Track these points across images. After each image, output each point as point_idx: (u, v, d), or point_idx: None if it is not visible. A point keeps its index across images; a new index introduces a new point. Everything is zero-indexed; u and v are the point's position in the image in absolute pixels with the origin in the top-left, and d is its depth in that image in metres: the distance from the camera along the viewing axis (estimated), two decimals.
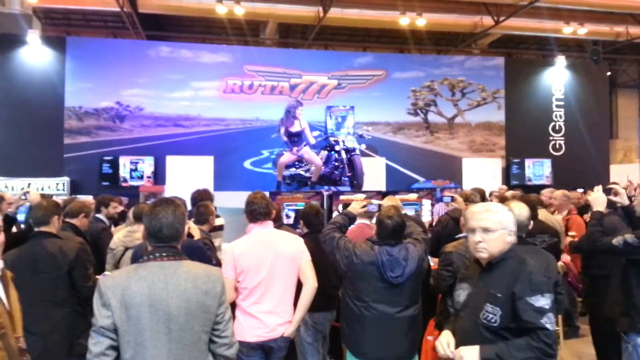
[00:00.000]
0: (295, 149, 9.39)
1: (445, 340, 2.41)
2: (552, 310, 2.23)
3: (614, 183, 3.85)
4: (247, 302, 3.35)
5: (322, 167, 9.38)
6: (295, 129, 9.28)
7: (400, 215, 3.46)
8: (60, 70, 10.85)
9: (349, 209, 3.92)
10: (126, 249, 4.56)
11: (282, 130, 9.45)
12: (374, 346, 3.33)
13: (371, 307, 3.34)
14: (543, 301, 2.21)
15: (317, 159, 9.45)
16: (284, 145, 9.69)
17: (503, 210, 2.43)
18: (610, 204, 3.42)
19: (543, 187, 9.97)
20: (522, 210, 2.98)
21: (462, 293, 2.46)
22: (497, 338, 2.24)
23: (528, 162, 12.67)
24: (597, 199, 3.40)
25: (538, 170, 12.69)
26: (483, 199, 4.95)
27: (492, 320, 2.25)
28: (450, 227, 4.69)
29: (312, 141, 9.50)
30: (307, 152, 9.43)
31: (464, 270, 2.58)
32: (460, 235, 3.78)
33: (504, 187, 9.43)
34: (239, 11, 11.67)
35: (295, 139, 9.34)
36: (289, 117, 9.32)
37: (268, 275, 3.35)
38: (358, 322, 3.37)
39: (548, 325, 2.19)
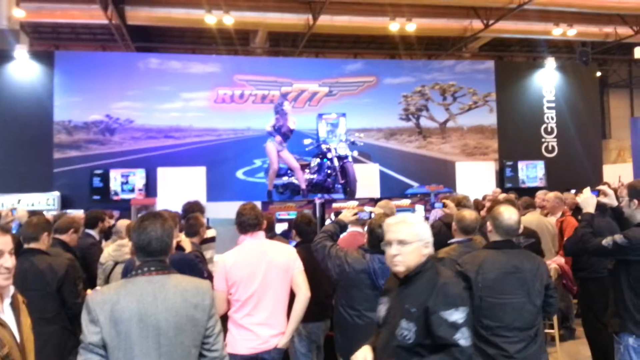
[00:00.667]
0: (279, 138, 9.14)
1: (362, 356, 2.33)
2: (467, 325, 2.16)
3: (605, 184, 3.83)
4: (239, 314, 3.30)
5: (300, 169, 9.29)
6: (292, 125, 9.21)
7: None
8: (49, 85, 10.79)
9: (340, 217, 3.91)
10: (116, 263, 4.51)
11: (278, 132, 9.27)
12: None
13: (364, 315, 3.33)
14: (457, 315, 2.13)
15: (292, 159, 9.31)
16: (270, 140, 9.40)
17: (419, 222, 2.39)
18: (600, 206, 3.40)
19: (537, 189, 9.95)
20: (512, 214, 2.95)
21: (382, 308, 2.40)
22: (412, 355, 2.17)
23: (521, 165, 12.68)
24: (587, 200, 3.38)
25: (532, 172, 12.71)
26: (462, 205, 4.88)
27: (407, 337, 2.18)
28: (443, 232, 4.65)
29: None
30: (285, 152, 9.31)
31: (385, 285, 2.53)
32: (452, 240, 3.75)
33: (498, 190, 9.42)
34: (229, 21, 11.65)
35: (288, 134, 9.26)
36: (282, 116, 9.25)
37: (260, 286, 3.30)
38: (351, 331, 3.36)
39: (462, 342, 2.11)
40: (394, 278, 2.41)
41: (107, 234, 5.96)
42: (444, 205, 4.93)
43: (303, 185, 9.24)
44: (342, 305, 3.45)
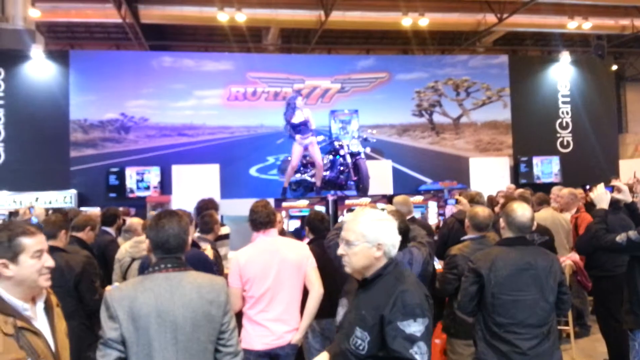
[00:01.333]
0: (299, 136, 9.02)
1: None
2: (425, 339, 1.99)
3: (611, 180, 3.79)
4: (253, 310, 3.34)
5: (323, 168, 9.24)
6: (297, 119, 9.07)
7: (403, 221, 3.43)
8: (65, 84, 10.92)
9: None
10: (133, 259, 4.57)
11: (285, 124, 9.28)
12: None
13: None
14: (415, 327, 1.96)
15: (319, 156, 9.21)
16: (290, 140, 9.37)
17: (372, 221, 2.16)
18: (613, 202, 3.37)
19: (552, 184, 9.89)
20: (525, 211, 2.93)
21: (340, 311, 2.31)
22: None
23: (536, 160, 12.57)
24: (600, 196, 3.35)
25: (547, 168, 12.58)
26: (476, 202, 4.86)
27: (360, 347, 2.03)
28: (456, 229, 4.65)
29: (313, 126, 9.19)
30: (313, 143, 9.15)
31: (346, 285, 2.39)
32: (465, 237, 3.75)
33: (512, 186, 9.35)
34: (241, 18, 11.69)
35: (300, 127, 9.15)
36: (289, 109, 9.24)
37: (274, 283, 3.34)
38: None
39: (417, 357, 1.93)
40: (354, 280, 2.26)
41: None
42: (457, 202, 4.92)
43: (318, 183, 9.24)
44: None
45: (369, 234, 2.11)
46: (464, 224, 3.91)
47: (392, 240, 2.16)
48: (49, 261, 2.02)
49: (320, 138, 9.58)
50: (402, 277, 2.13)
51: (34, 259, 1.96)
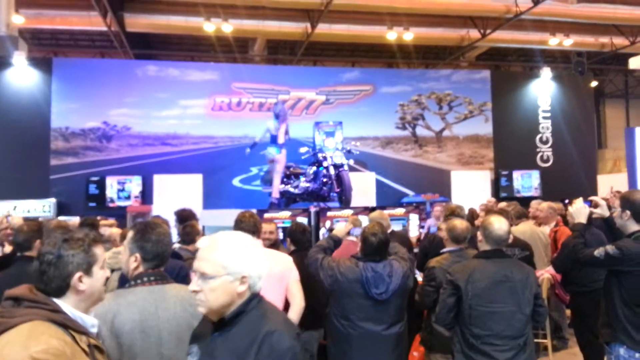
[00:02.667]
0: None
1: None
2: None
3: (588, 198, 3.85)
4: None
5: (278, 176, 9.55)
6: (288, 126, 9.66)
7: (384, 232, 3.48)
8: (47, 91, 10.82)
9: (334, 232, 3.95)
10: (112, 271, 4.51)
11: (281, 131, 9.56)
12: None
13: (357, 325, 3.34)
14: None
15: (280, 166, 9.61)
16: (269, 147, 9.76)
17: (234, 248, 1.76)
18: (590, 217, 3.43)
19: (532, 198, 9.99)
20: (502, 224, 2.99)
21: None
22: None
23: (516, 174, 12.73)
24: (579, 211, 3.40)
25: (527, 182, 12.75)
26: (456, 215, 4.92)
27: None
28: (437, 241, 4.68)
29: (280, 140, 9.70)
30: (283, 154, 9.61)
31: (197, 327, 1.93)
32: (444, 250, 3.79)
33: (492, 199, 9.44)
34: (227, 29, 11.70)
35: (287, 138, 9.67)
36: (282, 116, 9.54)
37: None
38: (345, 341, 3.38)
39: None
40: (206, 320, 1.84)
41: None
42: (438, 229, 4.94)
43: (275, 194, 9.42)
44: (335, 316, 3.46)
45: (232, 265, 1.72)
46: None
47: (258, 271, 1.78)
48: (107, 271, 1.90)
49: (304, 149, 9.61)
50: (268, 314, 1.76)
51: (102, 270, 1.84)
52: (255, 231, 3.49)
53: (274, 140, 9.72)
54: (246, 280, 1.75)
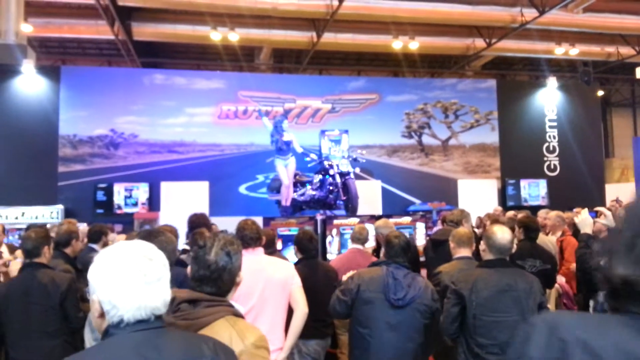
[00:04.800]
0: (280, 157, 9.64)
1: None
2: None
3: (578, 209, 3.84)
4: None
5: (287, 187, 9.59)
6: (286, 139, 9.58)
7: (407, 238, 3.53)
8: (55, 99, 10.91)
9: None
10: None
11: (276, 143, 9.65)
12: None
13: (375, 334, 3.32)
14: None
15: (287, 177, 9.64)
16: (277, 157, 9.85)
17: (103, 263, 1.43)
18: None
19: (539, 207, 9.98)
20: (504, 234, 2.99)
21: None
22: None
23: (523, 183, 12.69)
24: (584, 221, 3.41)
25: (534, 190, 12.70)
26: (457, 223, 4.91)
27: None
28: (429, 248, 4.76)
29: (299, 150, 9.71)
30: (289, 164, 9.64)
31: None
32: (455, 256, 3.80)
33: (499, 208, 9.42)
34: (234, 37, 11.79)
35: (282, 149, 9.60)
36: (279, 130, 9.57)
37: (258, 302, 3.31)
38: (363, 350, 3.36)
39: None
40: None
41: None
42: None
43: (283, 202, 9.46)
44: (354, 325, 3.44)
45: (92, 284, 1.43)
46: (440, 244, 4.02)
47: (116, 299, 1.38)
48: None
49: (310, 157, 9.64)
50: None
51: None
52: (257, 239, 3.50)
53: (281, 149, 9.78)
54: (97, 306, 1.41)
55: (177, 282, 2.74)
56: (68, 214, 10.29)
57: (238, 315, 1.92)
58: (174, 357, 1.39)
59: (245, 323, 1.92)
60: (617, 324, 0.98)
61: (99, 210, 10.60)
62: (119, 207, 10.72)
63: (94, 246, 5.56)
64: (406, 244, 3.47)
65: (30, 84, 10.76)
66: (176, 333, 1.54)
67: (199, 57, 15.68)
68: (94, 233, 5.64)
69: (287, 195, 9.64)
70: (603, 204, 10.01)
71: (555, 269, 4.82)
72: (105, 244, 5.69)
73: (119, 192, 10.77)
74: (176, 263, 3.44)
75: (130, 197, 10.78)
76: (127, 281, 1.39)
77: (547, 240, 5.67)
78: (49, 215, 10.00)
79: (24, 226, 8.05)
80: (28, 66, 10.55)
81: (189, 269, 2.08)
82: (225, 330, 1.81)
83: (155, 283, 1.43)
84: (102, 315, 1.42)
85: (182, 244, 4.44)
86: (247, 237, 3.47)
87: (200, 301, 1.88)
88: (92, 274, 1.43)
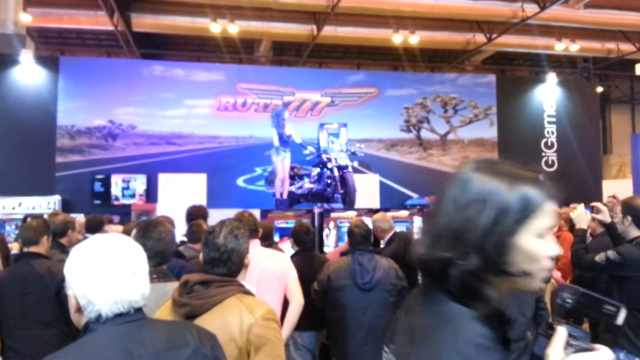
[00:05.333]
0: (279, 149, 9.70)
1: None
2: None
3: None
4: None
5: (284, 180, 9.64)
6: (288, 132, 9.67)
7: (366, 225, 3.92)
8: (53, 90, 10.87)
9: None
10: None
11: (277, 136, 9.71)
12: (357, 353, 3.61)
13: (349, 315, 3.65)
14: None
15: (283, 170, 9.70)
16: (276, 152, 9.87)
17: (78, 256, 1.42)
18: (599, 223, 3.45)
19: None
20: None
21: None
22: None
23: None
24: (580, 216, 3.42)
25: None
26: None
27: None
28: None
29: (299, 140, 9.79)
30: (286, 158, 9.73)
31: None
32: None
33: None
34: (233, 30, 11.75)
35: (288, 141, 9.73)
36: (280, 121, 9.62)
37: (255, 294, 3.33)
38: (340, 332, 3.58)
39: None
40: None
41: None
42: None
43: (277, 195, 9.60)
44: (329, 310, 3.80)
45: (67, 276, 1.43)
46: (408, 241, 4.43)
47: (91, 289, 1.37)
48: None
49: (308, 150, 9.65)
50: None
51: None
52: (254, 231, 3.52)
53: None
54: (73, 301, 1.42)
55: (173, 273, 2.76)
56: (65, 204, 10.28)
57: (248, 293, 2.06)
58: (158, 348, 1.39)
59: (254, 298, 2.07)
60: None
61: (97, 202, 10.59)
62: (117, 199, 10.71)
63: (90, 235, 5.58)
64: (366, 232, 3.85)
65: (28, 74, 10.71)
66: (157, 323, 1.55)
67: (198, 48, 15.64)
68: (95, 223, 5.69)
69: (283, 188, 9.64)
70: (600, 200, 10.01)
71: None
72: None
73: (117, 184, 10.75)
74: (174, 254, 3.46)
75: (127, 188, 10.77)
76: (102, 275, 1.37)
77: None
78: (47, 205, 9.97)
79: (21, 216, 8.05)
80: (26, 56, 10.51)
81: (200, 255, 2.18)
82: (235, 306, 1.95)
83: (132, 276, 1.40)
84: (79, 310, 1.40)
85: (179, 235, 4.45)
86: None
87: (212, 282, 2.03)
88: (67, 269, 1.40)
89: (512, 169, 1.12)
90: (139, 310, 1.43)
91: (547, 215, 1.08)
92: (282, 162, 9.65)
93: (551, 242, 1.07)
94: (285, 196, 9.56)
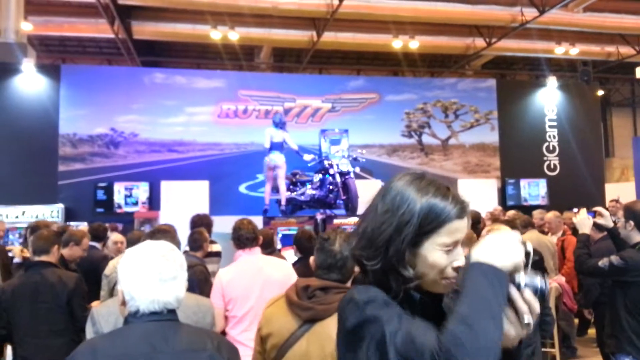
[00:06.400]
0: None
1: None
2: None
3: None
4: (236, 330, 3.33)
5: (283, 191, 9.77)
6: (278, 139, 9.87)
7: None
8: (55, 98, 10.89)
9: None
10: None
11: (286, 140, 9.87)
12: None
13: None
14: None
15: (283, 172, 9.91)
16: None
17: (126, 258, 1.70)
18: (599, 227, 3.44)
19: (539, 207, 9.97)
20: (512, 232, 2.99)
21: None
22: None
23: (523, 183, 12.68)
24: (583, 221, 3.41)
25: (534, 190, 12.69)
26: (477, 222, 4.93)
27: None
28: None
29: (295, 147, 9.89)
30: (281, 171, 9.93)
31: None
32: None
33: (499, 207, 9.42)
34: (234, 36, 11.80)
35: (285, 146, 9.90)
36: (283, 127, 9.73)
37: (257, 302, 3.32)
38: None
39: None
40: None
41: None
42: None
43: (284, 200, 9.74)
44: None
45: (119, 274, 1.69)
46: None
47: (134, 290, 1.62)
48: None
49: (310, 157, 9.65)
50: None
51: None
52: (254, 239, 3.51)
53: (276, 147, 9.81)
54: (121, 295, 1.65)
55: None
56: (68, 212, 10.30)
57: None
58: (179, 347, 1.58)
59: None
60: None
61: (99, 210, 10.59)
62: (119, 206, 10.70)
63: (97, 244, 5.59)
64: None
65: (30, 82, 10.74)
66: (185, 327, 1.71)
67: (198, 56, 15.69)
68: (100, 231, 5.71)
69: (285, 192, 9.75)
70: (603, 204, 10.01)
71: (543, 259, 4.85)
72: (105, 243, 5.72)
73: (119, 191, 10.75)
74: None
75: (130, 196, 10.77)
76: (144, 277, 1.60)
77: (547, 240, 5.69)
78: (49, 214, 9.99)
79: (25, 225, 8.06)
80: (28, 65, 10.54)
81: (311, 259, 2.30)
82: None
83: (170, 281, 1.62)
84: (124, 303, 1.62)
85: (183, 245, 4.45)
86: (243, 237, 3.48)
87: (330, 288, 2.15)
88: (120, 267, 1.65)
89: (429, 186, 1.21)
90: (171, 311, 1.64)
91: (451, 232, 1.17)
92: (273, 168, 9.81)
93: (457, 254, 1.17)
94: (268, 201, 9.75)
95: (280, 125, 9.89)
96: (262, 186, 11.46)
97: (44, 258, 3.64)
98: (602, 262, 3.10)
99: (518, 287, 1.03)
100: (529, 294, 1.03)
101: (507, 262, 1.03)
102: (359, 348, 1.10)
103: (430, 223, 1.12)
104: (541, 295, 1.03)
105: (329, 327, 1.95)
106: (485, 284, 0.99)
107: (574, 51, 13.41)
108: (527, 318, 1.02)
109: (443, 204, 1.17)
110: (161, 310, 1.60)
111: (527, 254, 1.08)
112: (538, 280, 1.05)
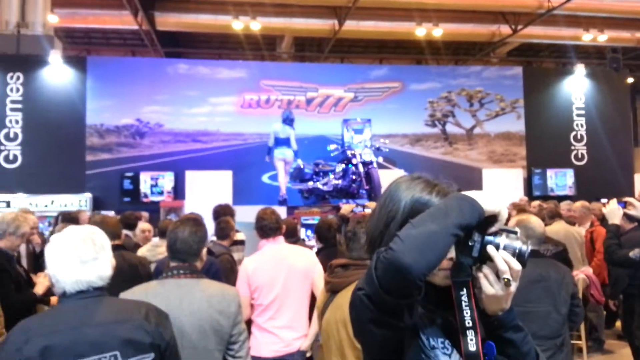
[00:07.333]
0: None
1: None
2: None
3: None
4: (262, 318, 3.36)
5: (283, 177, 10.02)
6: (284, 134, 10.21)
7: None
8: (82, 89, 11.06)
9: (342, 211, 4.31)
10: (149, 263, 4.63)
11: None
12: None
13: None
14: None
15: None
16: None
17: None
18: (630, 218, 3.37)
19: (566, 197, 9.81)
20: (540, 222, 2.95)
21: None
22: None
23: (550, 173, 12.46)
24: (613, 212, 3.35)
25: (561, 180, 12.47)
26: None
27: None
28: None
29: (295, 147, 10.26)
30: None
31: None
32: None
33: (525, 198, 9.30)
34: (255, 26, 11.80)
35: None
36: (291, 124, 9.78)
37: (282, 290, 3.36)
38: None
39: None
40: None
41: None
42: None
43: (283, 190, 9.95)
44: None
45: (45, 259, 1.85)
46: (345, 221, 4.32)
47: (58, 271, 1.76)
48: None
49: (333, 147, 9.65)
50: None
51: None
52: (278, 228, 3.52)
53: (283, 142, 9.90)
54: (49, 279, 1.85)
55: (203, 269, 2.78)
56: (96, 202, 10.50)
57: None
58: (106, 319, 1.71)
59: None
60: None
61: (126, 199, 10.75)
62: (145, 196, 10.85)
63: (129, 233, 5.70)
64: None
65: (57, 74, 10.92)
66: (113, 300, 1.85)
67: (220, 46, 15.73)
68: (133, 220, 5.83)
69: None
70: (632, 194, 9.80)
71: (566, 250, 4.76)
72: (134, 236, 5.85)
73: (145, 181, 10.90)
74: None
75: (156, 185, 10.90)
76: (66, 261, 1.73)
77: (575, 231, 5.59)
78: (77, 203, 10.19)
79: (54, 214, 8.24)
80: (55, 56, 10.71)
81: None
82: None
83: (91, 262, 1.75)
84: (52, 286, 1.77)
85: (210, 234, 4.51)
86: (266, 227, 3.49)
87: (349, 265, 2.42)
88: (45, 253, 1.78)
89: (418, 184, 1.25)
90: (98, 288, 1.76)
91: None
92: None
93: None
94: (284, 191, 10.02)
95: (288, 121, 9.95)
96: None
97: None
98: (633, 253, 3.05)
99: (497, 247, 1.07)
100: (506, 254, 1.06)
101: (488, 204, 1.06)
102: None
103: (416, 215, 1.14)
104: (520, 256, 1.07)
105: (343, 297, 2.17)
106: (454, 204, 1.05)
107: (602, 38, 13.07)
108: (506, 276, 1.06)
109: (427, 197, 1.21)
110: (87, 289, 1.73)
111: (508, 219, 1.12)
112: (517, 243, 1.08)
